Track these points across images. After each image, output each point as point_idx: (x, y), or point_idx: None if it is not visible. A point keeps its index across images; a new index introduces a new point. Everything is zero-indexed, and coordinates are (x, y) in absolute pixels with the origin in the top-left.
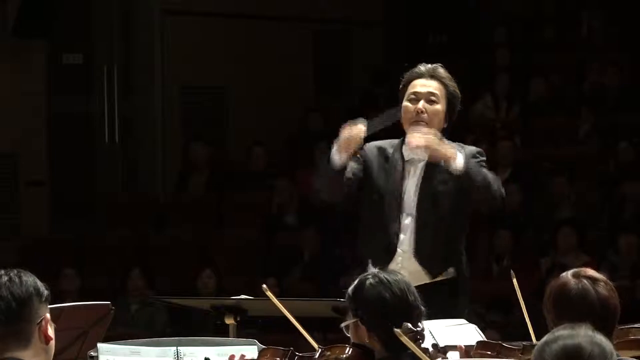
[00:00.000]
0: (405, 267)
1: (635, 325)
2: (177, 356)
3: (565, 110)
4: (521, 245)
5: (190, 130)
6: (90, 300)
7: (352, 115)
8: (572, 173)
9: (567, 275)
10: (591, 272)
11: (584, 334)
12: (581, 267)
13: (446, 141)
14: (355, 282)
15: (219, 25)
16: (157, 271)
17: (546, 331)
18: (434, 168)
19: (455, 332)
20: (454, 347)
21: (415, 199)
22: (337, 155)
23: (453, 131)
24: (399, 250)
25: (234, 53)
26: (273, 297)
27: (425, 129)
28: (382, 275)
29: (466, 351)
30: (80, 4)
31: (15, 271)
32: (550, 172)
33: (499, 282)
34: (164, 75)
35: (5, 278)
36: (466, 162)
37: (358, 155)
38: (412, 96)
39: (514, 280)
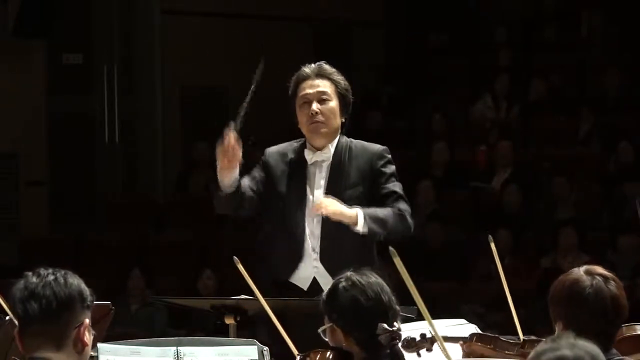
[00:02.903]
0: (314, 272)
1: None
2: (177, 356)
3: (565, 111)
4: (521, 245)
5: (190, 131)
6: None
7: (353, 115)
8: (572, 173)
9: (579, 272)
10: (601, 269)
11: (566, 344)
12: (586, 264)
13: (348, 139)
14: (329, 286)
15: (219, 25)
16: (157, 271)
17: (544, 328)
18: (340, 171)
19: (455, 332)
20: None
21: None
22: (221, 176)
23: (454, 131)
24: (307, 255)
25: (234, 53)
26: (244, 273)
27: (326, 200)
28: (355, 277)
29: (460, 344)
30: (80, 4)
31: (63, 272)
32: (550, 172)
33: (499, 282)
34: (164, 75)
35: (51, 277)
36: (366, 224)
37: (260, 161)
38: (304, 100)
39: (492, 245)
